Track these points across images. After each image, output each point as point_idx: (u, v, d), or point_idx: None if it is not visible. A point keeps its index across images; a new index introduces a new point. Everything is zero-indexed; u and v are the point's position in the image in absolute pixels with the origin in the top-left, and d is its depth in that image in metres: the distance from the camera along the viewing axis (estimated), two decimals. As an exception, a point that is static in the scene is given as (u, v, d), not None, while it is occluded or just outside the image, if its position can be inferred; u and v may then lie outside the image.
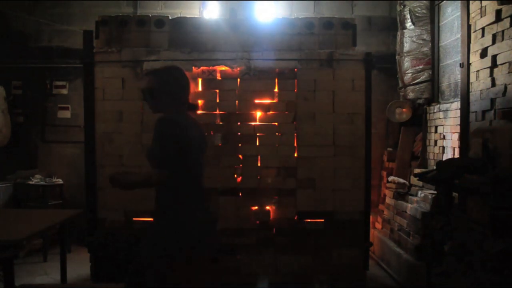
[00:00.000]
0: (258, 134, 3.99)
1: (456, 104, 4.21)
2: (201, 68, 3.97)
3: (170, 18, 4.09)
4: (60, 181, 5.45)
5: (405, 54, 5.15)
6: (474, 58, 3.68)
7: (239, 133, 3.99)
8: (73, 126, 5.82)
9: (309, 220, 3.98)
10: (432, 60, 5.08)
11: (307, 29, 4.05)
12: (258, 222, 3.97)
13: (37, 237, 4.71)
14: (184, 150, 2.20)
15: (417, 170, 4.53)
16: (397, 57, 5.34)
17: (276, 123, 4.00)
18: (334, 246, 3.96)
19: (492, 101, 3.37)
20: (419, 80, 5.09)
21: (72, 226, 4.85)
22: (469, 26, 3.77)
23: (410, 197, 4.43)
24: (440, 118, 4.68)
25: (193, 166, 2.29)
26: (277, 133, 4.00)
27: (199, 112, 3.99)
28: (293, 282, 3.95)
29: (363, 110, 3.97)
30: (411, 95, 5.16)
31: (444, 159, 4.39)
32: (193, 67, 3.96)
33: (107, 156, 3.95)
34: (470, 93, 3.76)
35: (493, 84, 3.38)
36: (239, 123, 4.00)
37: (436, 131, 4.78)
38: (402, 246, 4.35)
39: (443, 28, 4.96)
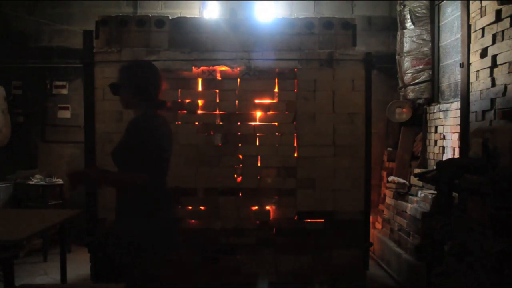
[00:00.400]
0: (258, 134, 3.99)
1: (456, 104, 4.21)
2: (201, 68, 3.97)
3: (170, 18, 4.09)
4: (60, 181, 5.45)
5: (405, 54, 5.15)
6: (474, 58, 3.68)
7: (239, 133, 3.99)
8: (73, 126, 5.82)
9: (309, 220, 3.98)
10: (432, 60, 5.08)
11: (307, 29, 4.04)
12: (258, 222, 3.97)
13: (37, 237, 4.71)
14: (163, 152, 2.23)
15: (417, 170, 4.53)
16: (397, 57, 5.34)
17: (276, 123, 4.00)
18: (334, 246, 3.96)
19: (492, 101, 3.37)
20: (419, 80, 5.09)
21: (72, 226, 4.85)
22: (469, 26, 3.77)
23: (410, 197, 4.43)
24: (440, 118, 4.68)
25: (166, 167, 2.31)
26: (277, 133, 3.99)
27: (199, 112, 4.00)
28: (293, 282, 3.95)
29: (363, 110, 3.97)
30: (411, 95, 5.16)
31: (444, 159, 4.39)
32: (193, 67, 3.96)
33: (107, 156, 3.91)
34: (470, 93, 3.76)
35: (493, 84, 3.38)
36: (239, 123, 4.00)
37: (436, 131, 4.78)
38: (402, 246, 4.35)
39: (443, 28, 4.96)
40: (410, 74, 5.13)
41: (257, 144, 3.99)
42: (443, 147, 4.57)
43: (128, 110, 2.39)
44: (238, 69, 3.96)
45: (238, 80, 3.98)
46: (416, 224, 4.00)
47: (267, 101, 4.02)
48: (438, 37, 5.03)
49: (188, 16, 4.27)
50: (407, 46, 5.14)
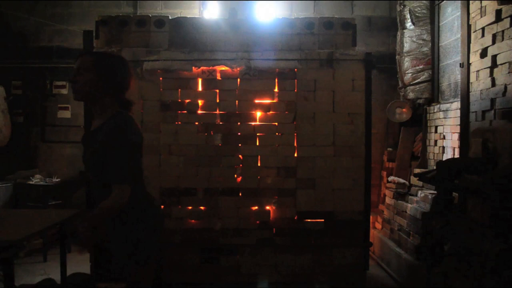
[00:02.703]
0: (258, 134, 3.99)
1: (456, 104, 4.21)
2: (201, 68, 3.97)
3: (170, 18, 4.09)
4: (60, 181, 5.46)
5: (405, 54, 5.15)
6: (474, 58, 3.68)
7: (239, 133, 3.99)
8: (73, 126, 5.82)
9: (309, 220, 3.98)
10: (432, 60, 5.08)
11: (307, 29, 4.05)
12: (258, 222, 3.97)
13: (37, 237, 4.71)
14: (139, 155, 2.20)
15: (417, 170, 4.53)
16: (397, 57, 5.34)
17: (276, 123, 4.00)
18: (334, 246, 3.96)
19: (492, 101, 3.37)
20: (419, 80, 5.09)
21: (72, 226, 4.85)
22: (469, 26, 3.77)
23: (410, 197, 4.43)
24: (440, 118, 4.68)
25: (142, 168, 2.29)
26: (277, 133, 4.00)
27: (199, 112, 4.00)
28: (293, 282, 3.95)
29: (363, 110, 3.97)
30: (411, 95, 5.16)
31: (444, 159, 4.39)
32: (193, 67, 3.96)
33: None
34: (470, 93, 3.76)
35: (493, 84, 3.38)
36: (239, 123, 4.00)
37: (436, 131, 4.78)
38: (402, 246, 4.35)
39: (443, 28, 4.96)
40: (410, 74, 5.13)
41: (257, 144, 3.99)
42: (443, 147, 4.57)
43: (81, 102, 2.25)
44: (238, 69, 3.95)
45: (238, 80, 3.98)
46: (416, 224, 4.00)
47: (267, 101, 4.02)
48: (438, 37, 5.03)
49: (188, 16, 4.27)
50: (407, 46, 5.14)
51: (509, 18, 3.16)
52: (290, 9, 5.83)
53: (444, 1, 4.87)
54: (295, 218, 3.97)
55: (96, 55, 2.20)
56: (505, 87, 3.20)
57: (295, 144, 3.99)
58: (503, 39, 3.25)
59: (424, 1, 5.04)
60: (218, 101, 4.00)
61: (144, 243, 2.20)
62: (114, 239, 2.23)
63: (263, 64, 3.95)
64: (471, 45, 3.73)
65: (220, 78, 4.00)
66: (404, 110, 5.26)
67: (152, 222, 2.26)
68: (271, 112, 4.01)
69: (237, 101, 3.99)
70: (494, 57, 3.36)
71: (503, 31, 3.25)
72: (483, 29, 3.53)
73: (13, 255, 2.38)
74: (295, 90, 3.99)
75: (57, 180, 5.45)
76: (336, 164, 3.97)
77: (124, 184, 2.05)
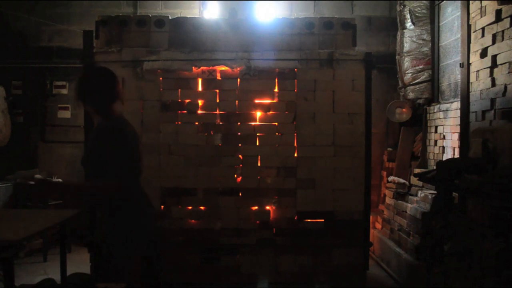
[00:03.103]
0: (258, 134, 3.99)
1: (456, 104, 4.21)
2: (201, 68, 3.97)
3: (170, 18, 4.09)
4: (60, 181, 5.45)
5: (405, 54, 5.15)
6: (474, 58, 3.68)
7: (239, 133, 3.99)
8: (73, 126, 5.83)
9: (309, 220, 3.98)
10: (432, 60, 5.08)
11: (307, 29, 4.05)
12: (258, 222, 3.97)
13: (37, 237, 4.71)
14: (133, 157, 2.26)
15: (417, 170, 4.53)
16: (397, 57, 5.34)
17: (276, 123, 4.00)
18: (334, 246, 3.96)
19: (492, 101, 3.37)
20: (419, 80, 5.09)
21: (72, 226, 4.85)
22: (469, 26, 3.77)
23: (410, 197, 4.43)
24: (440, 118, 4.68)
25: (139, 169, 2.37)
26: (277, 133, 3.99)
27: (199, 112, 4.00)
28: (293, 282, 3.95)
29: (363, 110, 3.97)
30: (411, 95, 5.16)
31: (444, 159, 4.39)
32: (193, 67, 3.96)
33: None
34: (470, 93, 3.76)
35: (493, 84, 3.38)
36: (239, 123, 4.00)
37: (436, 131, 4.78)
38: (402, 246, 4.35)
39: (443, 28, 4.96)
40: (410, 74, 5.13)
41: (257, 144, 3.99)
42: (443, 147, 4.57)
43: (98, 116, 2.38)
44: (238, 69, 3.95)
45: (238, 80, 3.98)
46: (416, 224, 4.00)
47: (267, 101, 4.02)
48: (438, 37, 5.04)
49: (188, 16, 4.27)
50: (407, 46, 5.14)
51: (509, 18, 3.16)
52: (290, 9, 5.83)
53: (444, 1, 4.87)
54: (295, 218, 3.97)
55: (82, 68, 2.40)
56: (505, 87, 3.20)
57: (295, 144, 3.99)
58: (503, 39, 3.25)
59: (424, 1, 5.05)
60: (218, 101, 4.00)
61: (143, 243, 2.23)
62: (114, 239, 2.24)
63: (263, 64, 3.95)
64: (471, 45, 3.74)
65: (220, 78, 4.00)
66: (404, 110, 5.26)
67: (152, 223, 2.31)
68: (271, 112, 4.01)
69: (237, 101, 3.99)
70: (494, 57, 3.36)
71: (503, 31, 3.25)
72: (483, 29, 3.53)
73: (13, 255, 2.38)
74: (295, 90, 3.99)
75: (57, 180, 5.45)
76: (336, 164, 3.97)
77: (118, 180, 2.15)
